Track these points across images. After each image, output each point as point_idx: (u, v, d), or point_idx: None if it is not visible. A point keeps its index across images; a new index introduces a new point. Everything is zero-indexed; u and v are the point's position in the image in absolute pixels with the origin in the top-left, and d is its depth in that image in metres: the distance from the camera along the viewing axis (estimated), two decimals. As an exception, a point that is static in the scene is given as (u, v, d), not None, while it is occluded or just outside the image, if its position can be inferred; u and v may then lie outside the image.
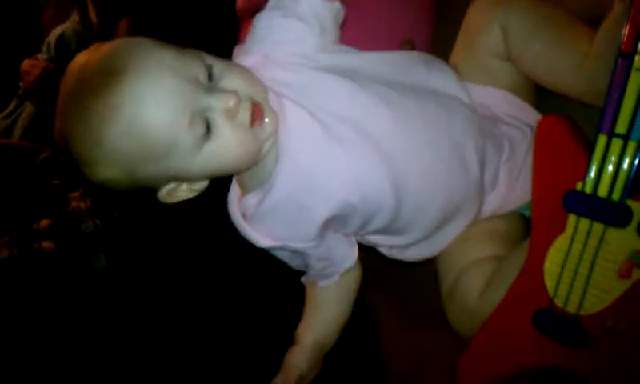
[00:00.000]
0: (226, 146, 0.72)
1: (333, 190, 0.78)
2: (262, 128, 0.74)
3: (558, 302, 0.71)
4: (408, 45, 1.00)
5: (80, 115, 0.70)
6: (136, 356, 1.47)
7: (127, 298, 1.53)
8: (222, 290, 1.49)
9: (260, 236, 0.82)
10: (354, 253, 0.89)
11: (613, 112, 0.63)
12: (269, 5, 0.84)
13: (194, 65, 0.71)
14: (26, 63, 2.08)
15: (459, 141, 0.81)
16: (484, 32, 0.84)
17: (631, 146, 0.63)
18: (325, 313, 0.91)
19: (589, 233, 0.67)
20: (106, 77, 0.68)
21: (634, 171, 0.64)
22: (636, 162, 0.64)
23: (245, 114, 0.72)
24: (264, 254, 0.86)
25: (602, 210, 0.66)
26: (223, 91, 0.71)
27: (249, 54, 0.82)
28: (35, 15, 2.27)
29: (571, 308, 0.71)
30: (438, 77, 0.84)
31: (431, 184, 0.81)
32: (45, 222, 1.58)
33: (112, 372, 1.45)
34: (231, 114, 0.71)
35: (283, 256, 0.87)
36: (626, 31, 0.63)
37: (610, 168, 0.65)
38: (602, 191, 0.65)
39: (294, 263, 0.88)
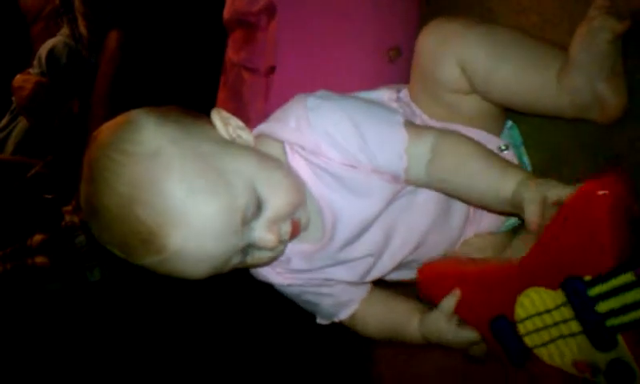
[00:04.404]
0: (259, 261, 0.73)
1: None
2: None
3: (521, 329, 0.68)
4: (395, 52, 0.99)
5: (116, 237, 0.66)
6: (131, 369, 1.46)
7: (122, 311, 1.53)
8: (219, 300, 1.48)
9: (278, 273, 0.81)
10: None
11: None
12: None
13: (243, 199, 0.67)
14: (18, 78, 2.08)
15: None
16: (439, 71, 0.77)
17: None
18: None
19: (567, 321, 0.64)
20: (148, 231, 0.63)
21: None
22: None
23: (285, 233, 0.71)
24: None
25: (593, 323, 0.61)
26: (265, 229, 0.69)
27: (303, 134, 0.73)
28: (25, 29, 2.27)
29: (529, 342, 0.68)
30: None
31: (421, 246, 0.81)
32: (38, 237, 1.57)
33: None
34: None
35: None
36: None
37: (623, 300, 0.58)
38: (602, 308, 0.60)
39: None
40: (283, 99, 1.04)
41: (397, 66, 1.00)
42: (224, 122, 0.72)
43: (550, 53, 0.73)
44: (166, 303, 1.51)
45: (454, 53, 0.75)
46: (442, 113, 0.80)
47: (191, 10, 1.58)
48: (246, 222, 0.67)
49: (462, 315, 0.74)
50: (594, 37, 0.67)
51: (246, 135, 0.73)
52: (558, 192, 0.60)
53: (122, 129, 0.67)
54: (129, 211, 0.63)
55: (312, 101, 0.74)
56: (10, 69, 2.13)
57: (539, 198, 0.60)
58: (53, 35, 2.10)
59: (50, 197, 1.72)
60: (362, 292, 0.85)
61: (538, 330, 0.67)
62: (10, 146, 2.11)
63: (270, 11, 1.08)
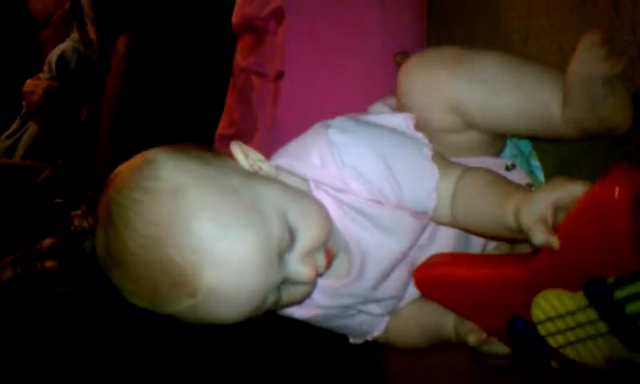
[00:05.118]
0: (294, 298, 0.69)
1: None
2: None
3: (541, 330, 0.65)
4: (402, 56, 0.99)
5: (143, 284, 0.61)
6: (139, 371, 1.46)
7: (129, 313, 1.53)
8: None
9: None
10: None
11: None
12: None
13: (279, 230, 0.63)
14: (29, 83, 2.10)
15: None
16: (431, 118, 0.73)
17: None
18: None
19: (594, 322, 0.60)
20: (179, 273, 0.59)
21: None
22: None
23: (321, 265, 0.67)
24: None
25: (623, 325, 0.58)
26: (301, 262, 0.65)
27: (329, 172, 0.69)
28: (35, 34, 2.29)
29: (553, 343, 0.65)
30: None
31: None
32: (48, 241, 1.57)
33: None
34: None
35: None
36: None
37: None
38: (631, 309, 0.56)
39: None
40: (292, 104, 1.04)
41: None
42: (245, 155, 0.70)
43: (548, 80, 0.70)
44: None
45: (446, 98, 0.72)
46: (440, 149, 0.74)
47: (200, 14, 1.59)
48: (282, 254, 0.64)
49: (475, 322, 0.71)
50: (589, 84, 0.64)
51: (266, 167, 0.70)
52: (555, 197, 0.55)
53: (140, 168, 0.63)
54: (157, 253, 0.59)
55: (334, 134, 0.69)
56: (20, 74, 2.15)
57: (535, 218, 0.56)
58: (62, 40, 2.12)
59: (59, 201, 1.73)
60: None
61: (561, 332, 0.64)
62: (20, 150, 2.13)
63: (279, 16, 1.08)
